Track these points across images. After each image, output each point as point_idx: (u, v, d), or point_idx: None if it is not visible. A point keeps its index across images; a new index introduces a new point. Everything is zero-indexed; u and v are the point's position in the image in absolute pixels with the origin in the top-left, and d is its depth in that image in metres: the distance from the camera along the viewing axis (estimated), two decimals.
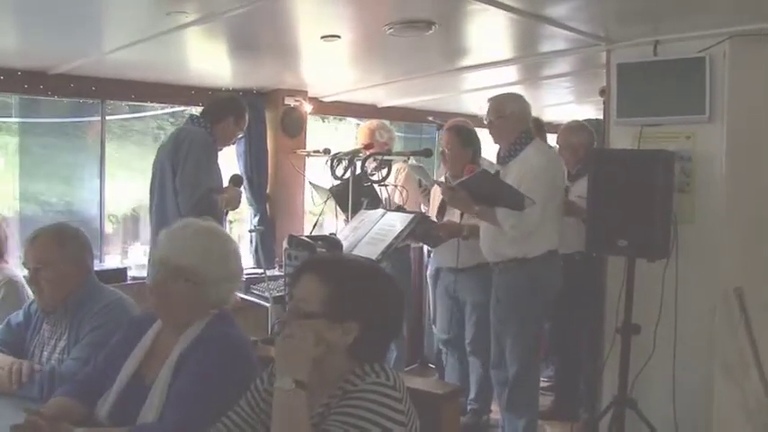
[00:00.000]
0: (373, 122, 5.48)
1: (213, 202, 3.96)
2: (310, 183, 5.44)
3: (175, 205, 3.89)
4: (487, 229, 4.13)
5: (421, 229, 4.28)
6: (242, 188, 4.42)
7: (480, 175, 3.99)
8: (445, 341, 4.89)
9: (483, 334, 4.37)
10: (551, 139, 5.68)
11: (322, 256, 2.80)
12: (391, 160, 5.09)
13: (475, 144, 4.52)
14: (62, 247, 2.74)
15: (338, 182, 4.86)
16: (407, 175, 5.22)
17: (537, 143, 4.16)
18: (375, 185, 4.85)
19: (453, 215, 4.57)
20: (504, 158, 4.11)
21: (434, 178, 5.13)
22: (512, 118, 4.05)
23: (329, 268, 1.92)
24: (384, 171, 4.99)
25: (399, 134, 6.77)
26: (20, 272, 3.80)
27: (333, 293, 1.85)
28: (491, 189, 3.97)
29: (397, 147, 5.70)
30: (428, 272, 5.20)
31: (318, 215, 5.07)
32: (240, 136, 4.45)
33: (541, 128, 5.46)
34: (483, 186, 3.96)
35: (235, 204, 4.23)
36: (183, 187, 3.87)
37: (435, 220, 4.66)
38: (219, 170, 4.17)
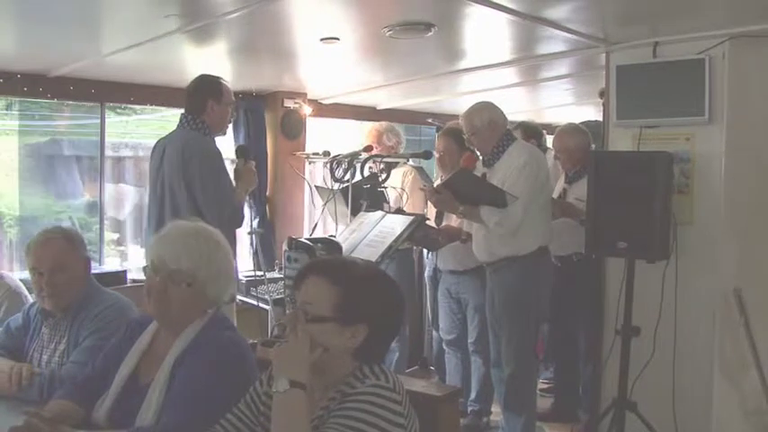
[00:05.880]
0: (382, 124, 5.40)
1: (242, 215, 3.91)
2: (315, 186, 5.44)
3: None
4: (479, 230, 4.16)
5: (419, 233, 4.30)
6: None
7: (460, 173, 4.04)
8: (448, 342, 4.91)
9: (486, 334, 4.39)
10: (550, 141, 5.67)
11: (327, 258, 2.79)
12: (392, 163, 5.09)
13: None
14: (75, 248, 2.76)
15: (338, 184, 4.86)
16: (414, 179, 5.19)
17: (519, 143, 4.20)
18: (383, 188, 4.84)
19: (451, 219, 4.59)
20: (488, 162, 4.14)
21: (434, 180, 5.14)
22: (484, 129, 4.08)
23: (337, 270, 1.91)
24: (384, 174, 4.99)
25: None
26: (17, 278, 3.81)
27: (343, 297, 1.84)
28: (472, 187, 4.01)
29: (402, 150, 5.65)
30: (426, 273, 5.21)
31: (320, 215, 5.08)
32: (234, 115, 4.19)
33: (533, 132, 5.46)
34: (464, 185, 4.00)
35: (252, 182, 4.05)
36: (210, 207, 3.69)
37: (435, 223, 4.67)
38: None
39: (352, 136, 7.10)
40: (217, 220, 3.67)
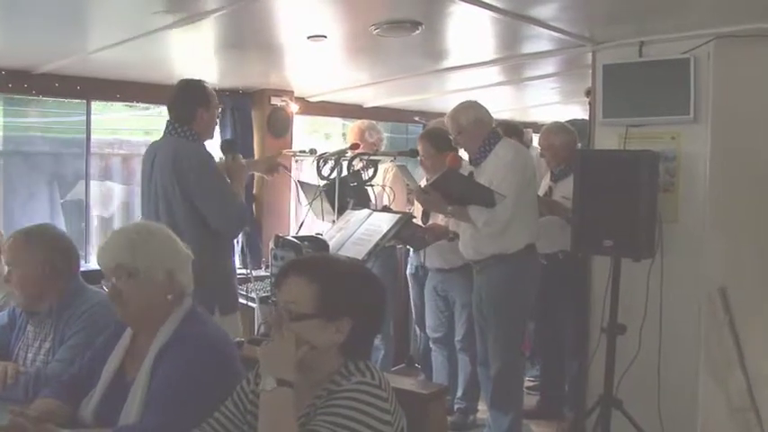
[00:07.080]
0: (364, 122, 5.46)
1: (246, 211, 3.90)
2: (298, 182, 5.44)
3: (192, 227, 3.60)
4: (466, 229, 4.18)
5: (406, 232, 4.30)
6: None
7: (448, 173, 4.05)
8: (435, 340, 4.92)
9: (474, 332, 4.40)
10: (536, 140, 5.70)
11: (305, 257, 2.81)
12: (378, 160, 5.10)
13: (452, 146, 4.48)
14: (30, 247, 2.73)
15: (324, 182, 4.85)
16: (395, 176, 5.22)
17: (504, 141, 4.20)
18: (366, 185, 4.84)
19: (438, 218, 4.60)
20: (475, 161, 4.15)
21: (418, 179, 5.15)
22: (470, 128, 4.09)
23: (315, 268, 1.93)
24: (371, 171, 4.99)
25: (385, 134, 6.76)
26: None
27: (324, 292, 1.86)
28: (461, 187, 4.03)
29: (383, 147, 5.69)
30: (407, 271, 5.22)
31: (306, 213, 5.06)
32: (219, 116, 4.04)
33: (513, 130, 5.48)
34: (453, 185, 4.02)
35: (244, 177, 4.01)
36: (213, 214, 3.64)
37: (421, 222, 4.68)
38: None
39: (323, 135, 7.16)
40: (223, 224, 3.67)
